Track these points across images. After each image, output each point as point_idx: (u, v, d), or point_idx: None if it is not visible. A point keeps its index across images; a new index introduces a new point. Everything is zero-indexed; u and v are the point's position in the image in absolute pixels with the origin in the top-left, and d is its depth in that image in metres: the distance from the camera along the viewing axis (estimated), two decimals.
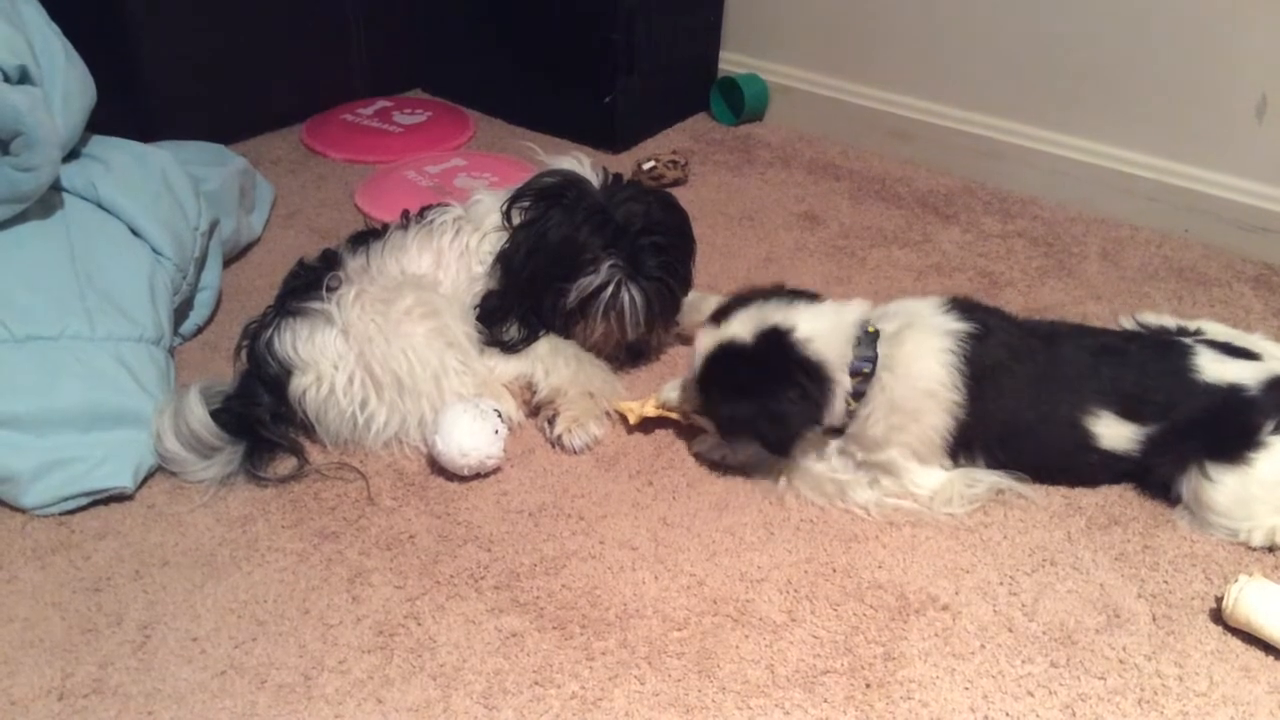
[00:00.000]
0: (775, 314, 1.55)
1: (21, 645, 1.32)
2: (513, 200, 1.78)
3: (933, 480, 1.57)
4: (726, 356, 1.55)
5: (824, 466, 1.60)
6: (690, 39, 2.90)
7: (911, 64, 2.68)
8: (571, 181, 1.78)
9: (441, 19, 2.94)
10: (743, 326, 1.55)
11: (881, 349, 1.55)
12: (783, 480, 1.60)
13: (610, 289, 1.71)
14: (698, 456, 1.67)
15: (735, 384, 1.55)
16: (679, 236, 1.82)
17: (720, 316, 1.59)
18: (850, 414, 1.56)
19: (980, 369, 1.52)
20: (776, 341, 1.53)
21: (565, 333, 1.79)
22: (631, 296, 1.73)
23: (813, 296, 1.62)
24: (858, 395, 1.55)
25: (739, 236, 2.36)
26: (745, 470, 1.64)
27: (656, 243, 1.74)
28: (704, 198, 2.52)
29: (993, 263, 2.27)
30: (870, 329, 1.57)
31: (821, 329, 1.54)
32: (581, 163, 1.83)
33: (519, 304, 1.76)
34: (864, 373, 1.54)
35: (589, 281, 1.71)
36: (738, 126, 2.93)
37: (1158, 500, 1.59)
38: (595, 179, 1.79)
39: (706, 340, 1.58)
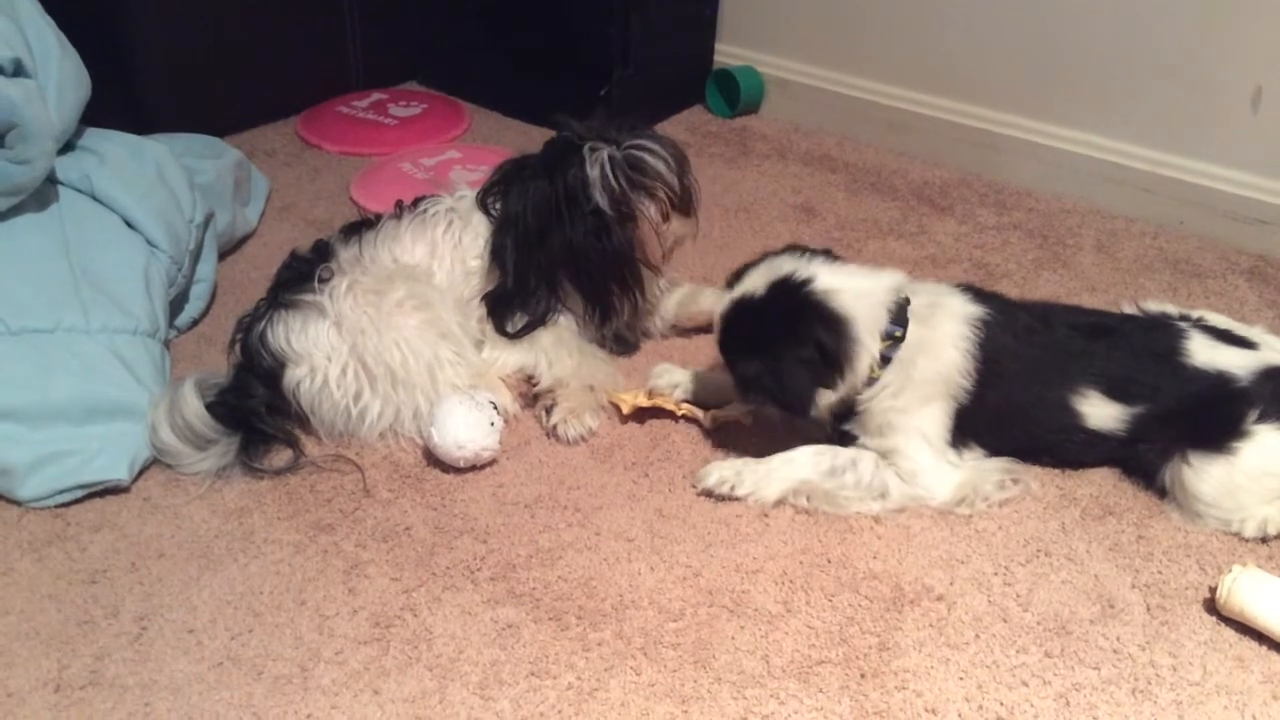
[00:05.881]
0: (788, 265, 1.52)
1: (18, 637, 1.33)
2: (484, 194, 1.80)
3: (946, 484, 1.54)
4: (740, 313, 1.53)
5: (833, 484, 1.54)
6: (686, 31, 2.90)
7: (907, 56, 2.68)
8: (525, 156, 1.80)
9: (437, 11, 2.94)
10: (755, 281, 1.52)
11: (911, 324, 1.52)
12: (786, 494, 1.55)
13: (622, 162, 1.68)
14: (707, 492, 1.58)
15: (748, 340, 1.53)
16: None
17: (736, 277, 1.56)
18: (870, 382, 1.52)
19: (989, 357, 1.52)
20: (790, 291, 1.50)
21: (615, 269, 1.74)
22: (649, 149, 1.71)
23: (829, 255, 1.59)
24: (884, 361, 1.51)
25: (735, 229, 2.36)
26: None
27: (613, 119, 1.74)
28: (699, 190, 2.51)
29: (988, 254, 2.28)
30: (903, 296, 1.54)
31: (854, 286, 1.51)
32: None
33: (539, 270, 1.74)
34: (895, 337, 1.51)
35: (595, 175, 1.67)
36: (733, 119, 2.92)
37: (1151, 491, 1.59)
38: None
39: (721, 302, 1.57)
